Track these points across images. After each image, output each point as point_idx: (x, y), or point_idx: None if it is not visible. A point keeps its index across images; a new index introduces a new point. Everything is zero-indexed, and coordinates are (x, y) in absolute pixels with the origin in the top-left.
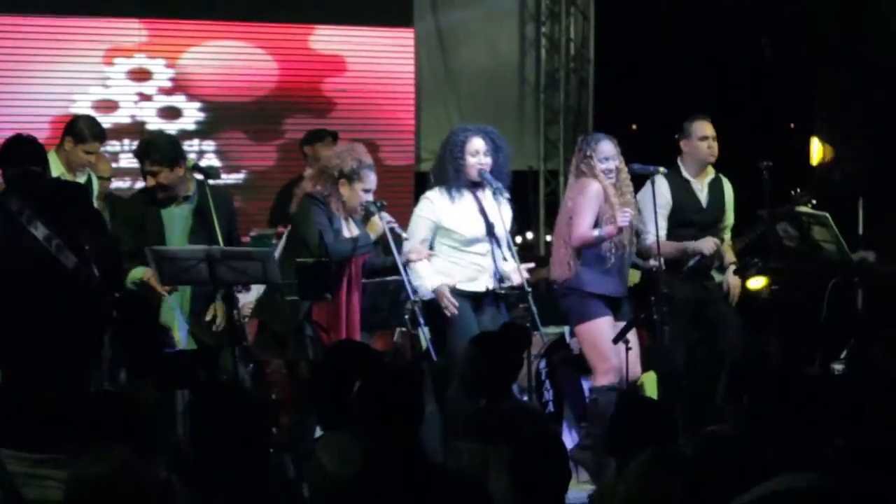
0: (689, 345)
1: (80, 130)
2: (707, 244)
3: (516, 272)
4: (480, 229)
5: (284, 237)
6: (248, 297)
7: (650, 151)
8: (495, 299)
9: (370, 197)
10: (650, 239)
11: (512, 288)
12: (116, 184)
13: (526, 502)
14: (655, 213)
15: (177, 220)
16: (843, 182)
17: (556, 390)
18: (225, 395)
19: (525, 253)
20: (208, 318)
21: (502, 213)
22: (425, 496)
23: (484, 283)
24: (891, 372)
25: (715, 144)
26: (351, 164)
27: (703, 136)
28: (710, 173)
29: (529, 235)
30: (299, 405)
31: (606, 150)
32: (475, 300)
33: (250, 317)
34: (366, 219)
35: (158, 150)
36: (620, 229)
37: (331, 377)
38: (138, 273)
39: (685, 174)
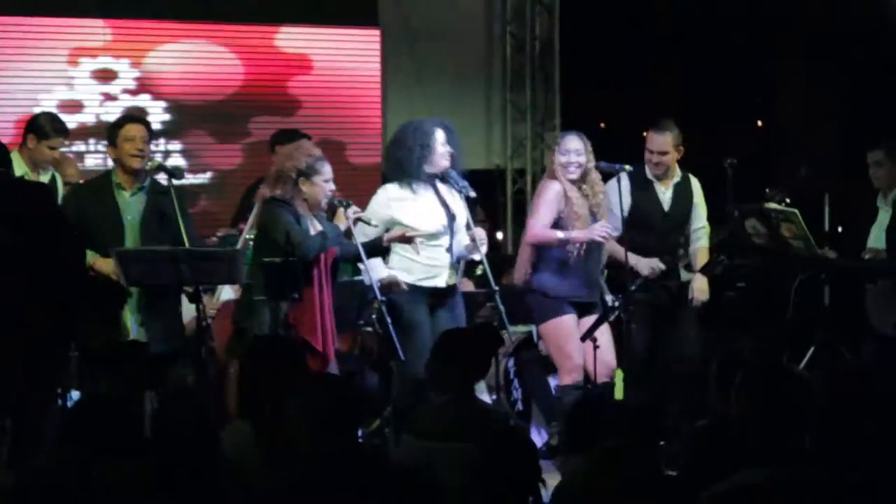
0: (650, 345)
1: (42, 127)
2: (645, 266)
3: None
4: (441, 223)
5: (243, 237)
6: (209, 299)
7: (619, 149)
8: (454, 296)
9: (332, 185)
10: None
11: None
12: None
13: (494, 501)
14: (622, 209)
15: (130, 207)
16: (810, 178)
17: (525, 389)
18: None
19: (492, 252)
20: None
21: (463, 206)
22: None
23: (443, 279)
24: (857, 367)
25: (664, 159)
26: (305, 160)
27: (649, 149)
28: (676, 176)
29: (500, 236)
30: None
31: (569, 145)
32: (433, 297)
33: (235, 322)
34: (331, 214)
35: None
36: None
37: (253, 372)
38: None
39: (649, 175)
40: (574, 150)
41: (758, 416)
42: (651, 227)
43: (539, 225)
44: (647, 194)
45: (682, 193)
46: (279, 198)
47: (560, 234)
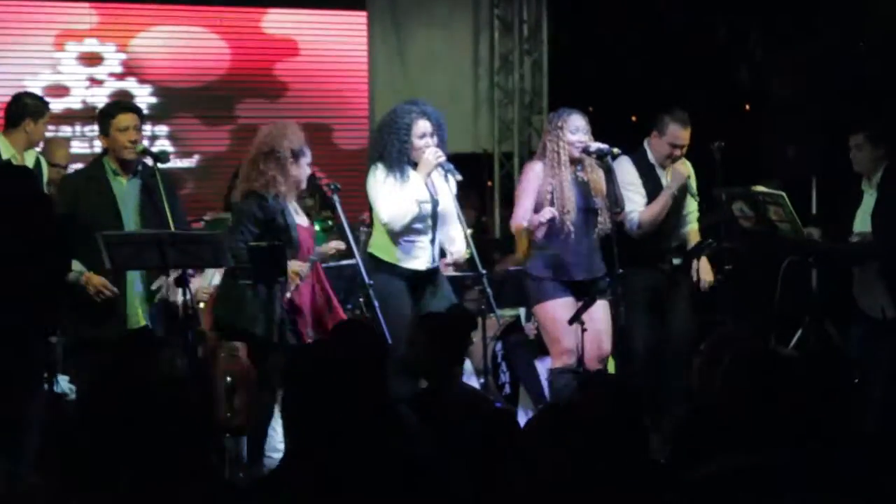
0: (646, 329)
1: (34, 107)
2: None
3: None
4: (425, 209)
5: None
6: (201, 282)
7: (606, 133)
8: (436, 280)
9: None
10: (634, 217)
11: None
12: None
13: (481, 483)
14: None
15: (128, 194)
16: (797, 161)
17: (513, 373)
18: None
19: (480, 236)
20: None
21: (451, 189)
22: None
23: (424, 261)
24: (844, 350)
25: (682, 152)
26: (298, 141)
27: (674, 143)
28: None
29: (488, 220)
30: (256, 389)
31: (577, 122)
32: (413, 279)
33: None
34: (319, 198)
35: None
36: (554, 218)
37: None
38: (76, 269)
39: (651, 159)
40: (582, 127)
41: (743, 400)
42: None
43: (519, 212)
44: (651, 178)
45: (689, 176)
46: (260, 192)
47: (532, 218)
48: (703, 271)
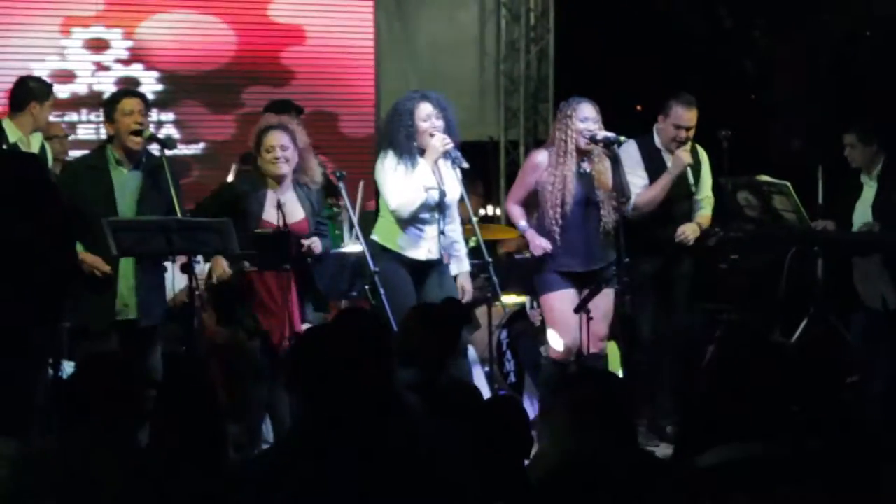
0: (654, 315)
1: (39, 89)
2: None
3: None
4: (432, 196)
5: None
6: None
7: (611, 122)
8: (439, 270)
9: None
10: (633, 201)
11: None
12: (75, 154)
13: (487, 470)
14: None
15: (127, 184)
16: (803, 151)
17: (518, 361)
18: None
19: (486, 224)
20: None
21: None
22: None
23: (426, 251)
24: (848, 340)
25: (688, 134)
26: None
27: (678, 124)
28: (685, 145)
29: (494, 210)
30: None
31: (587, 111)
32: (415, 267)
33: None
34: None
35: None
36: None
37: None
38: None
39: (658, 143)
40: (592, 117)
41: (729, 390)
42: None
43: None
44: (657, 162)
45: (691, 164)
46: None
47: (522, 223)
48: (691, 230)
